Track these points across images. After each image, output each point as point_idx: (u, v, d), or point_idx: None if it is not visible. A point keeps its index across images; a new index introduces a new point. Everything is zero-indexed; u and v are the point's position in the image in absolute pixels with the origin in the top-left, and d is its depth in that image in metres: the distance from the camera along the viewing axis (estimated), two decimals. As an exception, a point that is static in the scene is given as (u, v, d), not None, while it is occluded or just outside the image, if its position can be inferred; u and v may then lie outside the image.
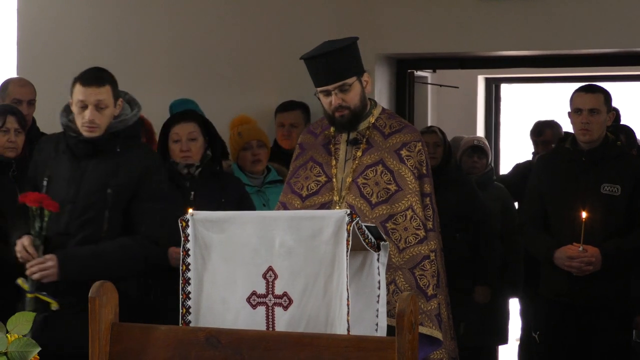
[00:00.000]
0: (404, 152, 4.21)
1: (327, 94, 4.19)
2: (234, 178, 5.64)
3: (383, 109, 4.39)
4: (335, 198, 4.20)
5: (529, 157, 7.49)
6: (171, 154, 5.39)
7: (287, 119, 6.64)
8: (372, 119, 4.29)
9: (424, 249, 4.12)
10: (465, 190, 6.57)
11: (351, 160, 4.24)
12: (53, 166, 4.70)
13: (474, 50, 7.04)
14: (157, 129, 5.89)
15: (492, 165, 7.63)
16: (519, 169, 7.41)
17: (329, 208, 4.17)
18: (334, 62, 4.12)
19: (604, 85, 5.65)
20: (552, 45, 6.84)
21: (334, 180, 4.23)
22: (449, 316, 4.24)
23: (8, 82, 6.07)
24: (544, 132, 7.24)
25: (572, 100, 5.39)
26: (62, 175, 4.65)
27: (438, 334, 4.09)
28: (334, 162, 4.27)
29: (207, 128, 5.45)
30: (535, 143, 7.28)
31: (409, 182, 4.17)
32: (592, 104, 5.29)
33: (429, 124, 8.44)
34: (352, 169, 4.22)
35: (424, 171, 4.23)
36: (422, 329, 4.00)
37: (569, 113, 5.39)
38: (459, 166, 7.05)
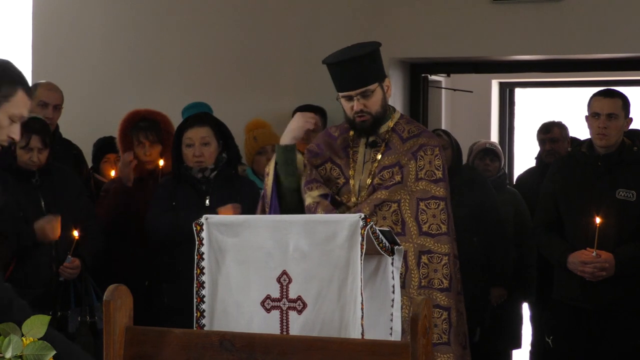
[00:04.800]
0: (420, 153, 4.21)
1: (349, 99, 4.19)
2: (249, 182, 5.64)
3: (401, 114, 4.40)
4: (353, 199, 4.20)
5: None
6: (184, 158, 5.39)
7: None
8: (391, 123, 4.29)
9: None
10: (481, 190, 6.53)
11: (370, 163, 4.25)
12: None
13: (488, 54, 7.04)
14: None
15: (506, 169, 7.60)
16: (521, 180, 7.40)
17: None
18: (358, 68, 4.11)
19: (619, 90, 5.62)
20: (566, 49, 6.82)
21: (352, 181, 4.24)
22: (459, 323, 4.22)
23: (37, 85, 6.16)
24: (551, 129, 7.20)
25: (590, 104, 5.36)
26: None
27: None
28: (352, 164, 4.27)
29: (221, 131, 5.45)
30: (542, 141, 7.21)
31: (410, 179, 4.16)
32: (611, 109, 5.27)
33: (443, 128, 8.42)
34: (369, 171, 4.22)
35: (440, 175, 4.21)
36: None
37: (586, 117, 5.37)
38: (473, 166, 7.02)
